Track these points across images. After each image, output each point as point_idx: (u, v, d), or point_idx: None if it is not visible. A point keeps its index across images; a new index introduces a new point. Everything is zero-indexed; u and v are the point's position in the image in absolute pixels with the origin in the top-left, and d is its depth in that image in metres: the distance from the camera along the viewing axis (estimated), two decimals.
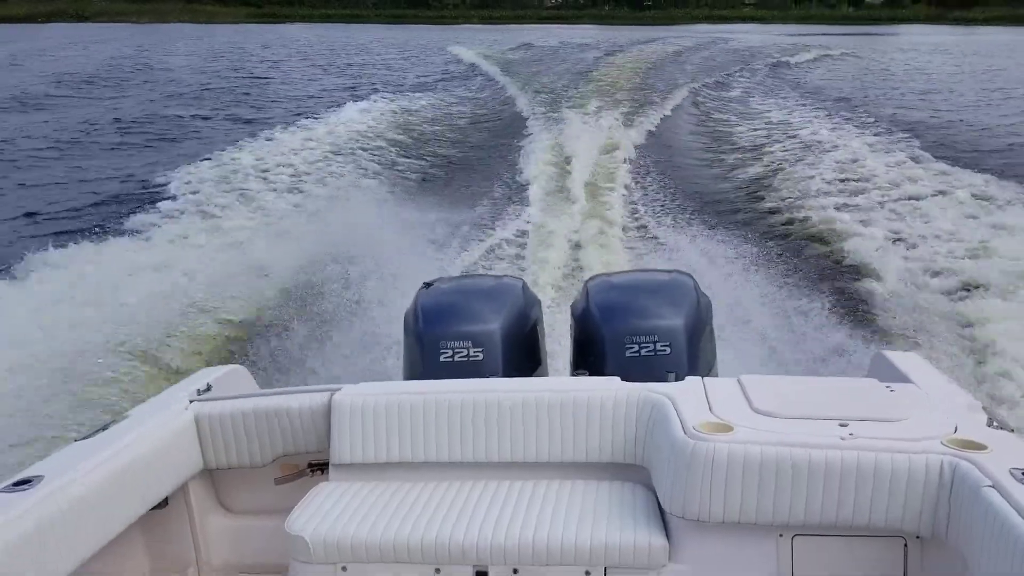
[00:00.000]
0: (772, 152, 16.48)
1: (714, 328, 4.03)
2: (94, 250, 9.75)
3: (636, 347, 3.73)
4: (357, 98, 24.83)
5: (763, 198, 12.81)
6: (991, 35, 73.42)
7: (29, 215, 12.96)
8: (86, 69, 37.90)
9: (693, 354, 3.74)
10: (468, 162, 16.51)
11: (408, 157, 16.26)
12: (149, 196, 13.13)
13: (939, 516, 2.64)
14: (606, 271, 5.53)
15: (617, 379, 3.36)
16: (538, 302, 4.33)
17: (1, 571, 2.46)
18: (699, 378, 3.31)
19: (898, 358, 3.63)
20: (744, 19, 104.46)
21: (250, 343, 7.07)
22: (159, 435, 3.26)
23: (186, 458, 3.40)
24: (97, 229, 11.09)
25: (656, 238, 10.39)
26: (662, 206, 12.46)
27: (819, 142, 16.87)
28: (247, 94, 28.62)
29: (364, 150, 16.20)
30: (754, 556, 2.84)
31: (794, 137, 17.97)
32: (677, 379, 3.38)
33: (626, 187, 13.30)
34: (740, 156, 16.65)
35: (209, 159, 15.33)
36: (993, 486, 2.44)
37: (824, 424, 2.84)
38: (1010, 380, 6.14)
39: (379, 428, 3.30)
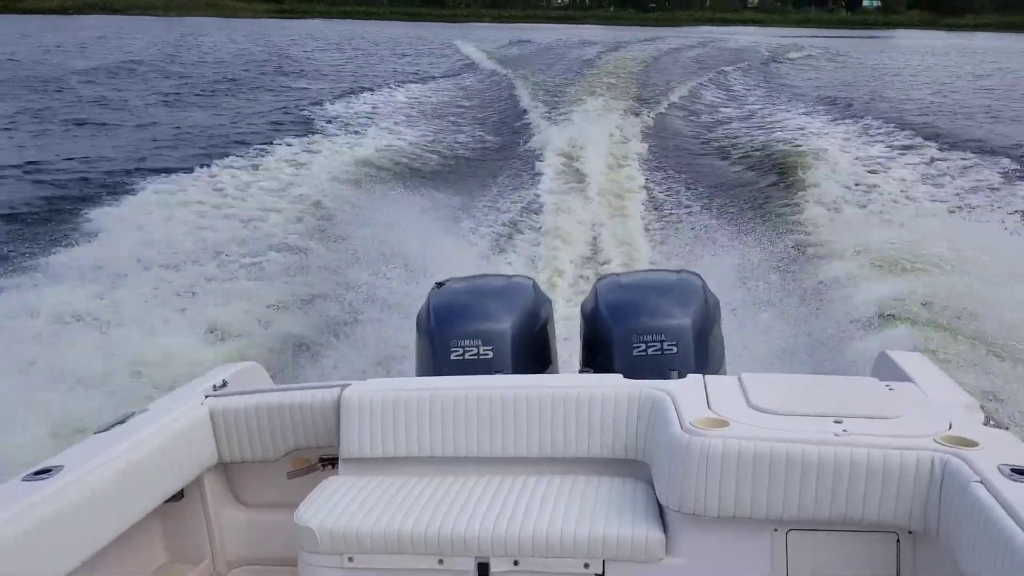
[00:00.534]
0: (785, 150, 16.17)
1: (722, 327, 3.99)
2: None
3: (643, 346, 3.72)
4: (372, 91, 24.72)
5: (780, 197, 12.40)
6: (982, 40, 74.12)
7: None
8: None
9: (701, 353, 3.72)
10: (481, 157, 16.33)
11: (422, 152, 16.09)
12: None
13: (930, 512, 2.61)
14: (617, 271, 5.46)
15: (619, 376, 3.34)
16: (548, 302, 4.31)
17: (19, 558, 2.48)
18: (700, 376, 3.29)
19: (901, 358, 3.60)
20: (745, 22, 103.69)
21: (272, 341, 7.01)
22: (175, 428, 3.27)
23: (201, 451, 3.41)
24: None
25: (672, 235, 10.20)
26: (679, 202, 12.23)
27: (844, 141, 16.60)
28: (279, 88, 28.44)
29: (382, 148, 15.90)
30: (749, 550, 2.83)
31: (812, 135, 17.73)
32: (680, 377, 3.36)
33: (643, 187, 13.05)
34: (752, 152, 16.38)
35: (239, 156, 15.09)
36: (981, 482, 2.42)
37: (819, 421, 2.81)
38: None
39: (387, 423, 3.29)
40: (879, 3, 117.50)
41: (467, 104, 23.92)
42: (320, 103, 22.90)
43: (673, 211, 11.72)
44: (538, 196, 11.98)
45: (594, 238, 9.87)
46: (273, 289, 7.98)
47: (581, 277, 8.33)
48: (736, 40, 58.72)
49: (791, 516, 2.73)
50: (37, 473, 2.77)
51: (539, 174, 13.40)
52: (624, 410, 3.20)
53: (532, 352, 3.97)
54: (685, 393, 3.10)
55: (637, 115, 19.84)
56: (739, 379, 3.19)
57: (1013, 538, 2.16)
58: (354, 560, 2.96)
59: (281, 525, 3.32)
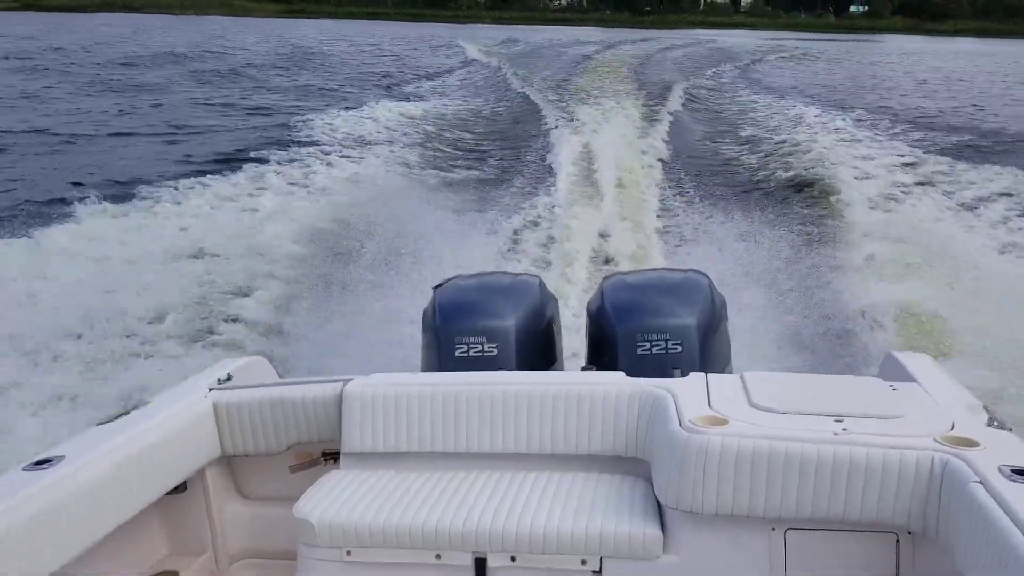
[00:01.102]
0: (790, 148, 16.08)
1: (728, 327, 3.85)
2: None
3: (648, 345, 3.59)
4: (387, 89, 24.50)
5: (792, 197, 12.06)
6: (963, 45, 75.40)
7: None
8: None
9: (705, 353, 3.59)
10: (493, 155, 16.00)
11: (433, 151, 15.81)
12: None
13: (929, 512, 2.49)
14: (624, 270, 5.32)
15: (621, 374, 3.22)
16: (555, 300, 4.18)
17: (19, 547, 2.40)
18: (703, 374, 3.16)
19: (907, 359, 3.46)
20: (736, 25, 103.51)
21: (275, 334, 6.85)
22: (178, 421, 3.17)
23: (204, 444, 3.30)
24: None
25: (683, 234, 9.96)
26: (689, 203, 11.90)
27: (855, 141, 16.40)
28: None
29: (390, 143, 15.69)
30: (747, 549, 2.70)
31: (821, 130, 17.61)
32: (683, 376, 3.22)
33: (656, 184, 12.80)
34: (766, 153, 16.06)
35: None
36: (980, 482, 2.31)
37: (820, 420, 2.69)
38: None
39: (388, 418, 3.19)
40: (865, 8, 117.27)
41: (476, 103, 23.69)
42: (333, 104, 22.74)
43: (685, 210, 11.45)
44: (550, 196, 11.74)
45: (605, 238, 9.65)
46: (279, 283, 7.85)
47: (590, 276, 8.13)
48: (725, 41, 58.68)
49: (789, 515, 2.61)
50: (38, 463, 2.68)
51: (551, 174, 13.16)
52: (625, 408, 3.08)
53: (537, 350, 3.84)
54: (686, 391, 2.98)
55: (650, 117, 19.62)
56: (741, 378, 3.06)
57: (1011, 538, 2.06)
58: (352, 554, 2.87)
59: (283, 518, 3.20)
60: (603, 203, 11.07)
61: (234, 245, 8.67)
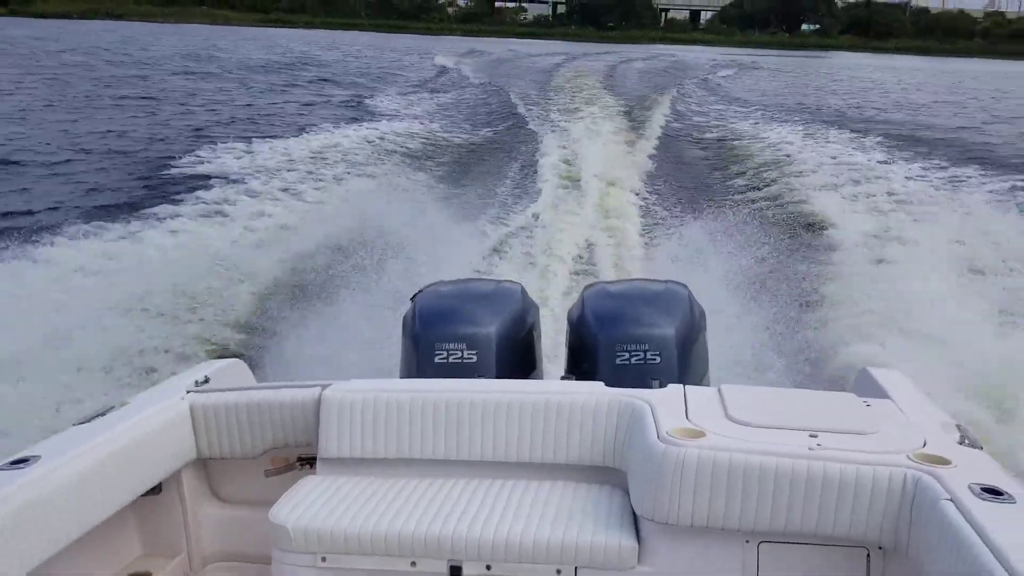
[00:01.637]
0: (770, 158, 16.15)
1: (707, 338, 3.77)
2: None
3: (627, 355, 3.51)
4: (364, 99, 24.13)
5: (774, 209, 11.88)
6: (904, 61, 78.96)
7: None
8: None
9: (683, 363, 3.52)
10: (475, 163, 15.71)
11: (415, 159, 15.45)
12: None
13: (900, 528, 2.46)
14: (605, 279, 5.22)
15: (600, 384, 3.15)
16: (536, 307, 4.08)
17: None
18: (681, 386, 3.10)
19: (881, 375, 3.42)
20: (695, 41, 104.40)
21: (255, 336, 6.64)
22: (155, 423, 3.06)
23: (180, 446, 3.19)
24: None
25: (665, 245, 9.80)
26: (671, 213, 11.70)
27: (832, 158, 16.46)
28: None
29: (370, 153, 15.24)
30: (720, 561, 2.65)
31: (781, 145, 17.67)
32: (661, 387, 3.16)
33: (638, 196, 12.58)
34: (747, 165, 16.01)
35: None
36: (951, 500, 2.28)
37: (795, 434, 2.64)
38: None
39: (366, 424, 3.09)
40: (816, 27, 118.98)
41: (457, 112, 23.41)
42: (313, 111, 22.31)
43: (666, 221, 11.29)
44: (533, 204, 11.55)
45: (588, 246, 9.52)
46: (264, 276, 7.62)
47: (573, 284, 7.99)
48: (686, 56, 59.16)
49: (763, 528, 2.56)
50: (14, 462, 2.58)
51: (535, 183, 12.97)
52: (603, 418, 3.01)
53: (516, 357, 3.75)
54: (664, 403, 2.92)
55: (634, 128, 19.49)
56: (719, 390, 3.01)
57: (980, 556, 2.03)
58: (327, 560, 2.77)
59: (257, 522, 3.10)
60: (586, 212, 10.92)
61: (205, 258, 8.38)
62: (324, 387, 3.17)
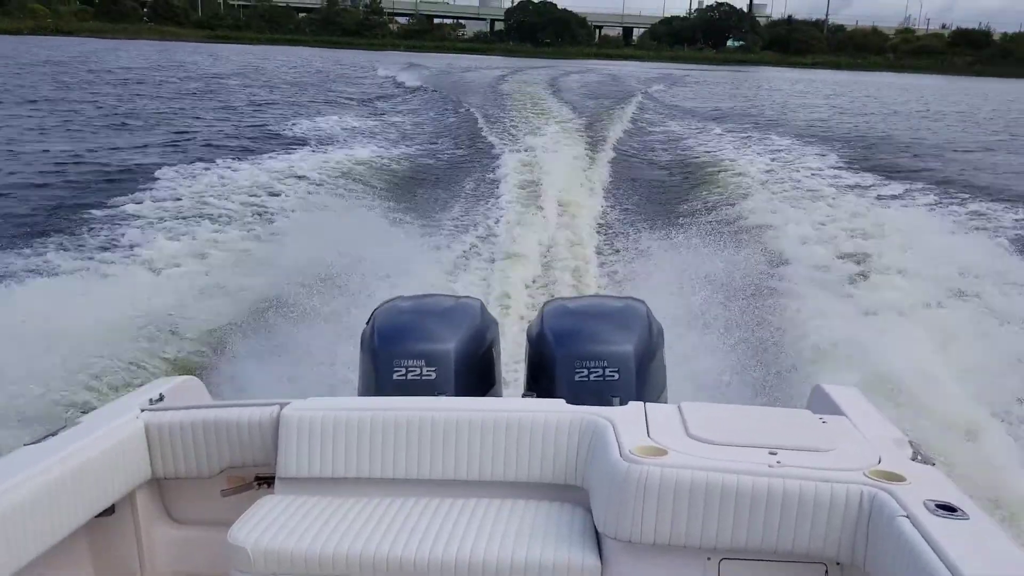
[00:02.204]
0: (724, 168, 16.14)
1: (665, 355, 3.68)
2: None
3: (585, 371, 3.40)
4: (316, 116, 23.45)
5: (730, 226, 11.46)
6: (819, 75, 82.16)
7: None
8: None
9: (642, 380, 3.42)
10: (432, 178, 15.22)
11: (372, 175, 14.76)
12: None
13: (857, 544, 2.43)
14: (565, 296, 5.09)
15: (562, 401, 3.05)
16: (495, 323, 3.95)
17: None
18: (641, 403, 3.02)
19: (835, 391, 3.37)
20: (626, 57, 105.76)
21: (212, 354, 6.29)
22: (108, 442, 2.88)
23: (135, 466, 3.02)
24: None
25: (623, 261, 9.54)
26: (632, 229, 11.33)
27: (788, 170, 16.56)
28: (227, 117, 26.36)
29: (327, 173, 14.29)
30: None
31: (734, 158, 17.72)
32: (621, 404, 3.07)
33: (597, 213, 12.27)
34: (705, 179, 15.74)
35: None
36: (907, 516, 2.26)
37: (754, 452, 2.59)
38: None
39: (325, 443, 2.95)
40: (740, 43, 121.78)
41: (412, 126, 22.91)
42: (274, 122, 21.58)
43: (625, 235, 10.98)
44: (492, 220, 11.24)
45: (547, 262, 9.28)
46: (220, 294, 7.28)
47: (532, 300, 7.76)
48: (621, 70, 59.86)
49: (724, 545, 2.50)
50: None
51: (494, 198, 12.66)
52: (565, 436, 2.91)
53: (475, 374, 3.61)
54: (625, 421, 2.84)
55: (592, 143, 19.21)
56: (679, 408, 2.94)
57: (936, 572, 2.02)
58: None
59: (213, 543, 2.94)
60: (545, 227, 10.68)
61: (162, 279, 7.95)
62: (283, 405, 3.03)
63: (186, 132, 19.45)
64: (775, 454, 2.57)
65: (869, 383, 5.04)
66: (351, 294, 6.97)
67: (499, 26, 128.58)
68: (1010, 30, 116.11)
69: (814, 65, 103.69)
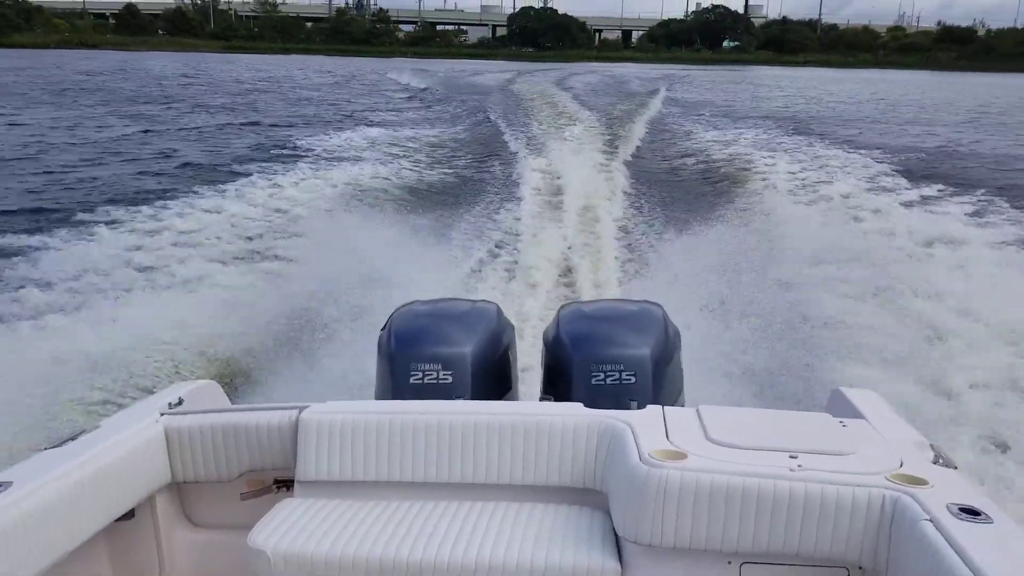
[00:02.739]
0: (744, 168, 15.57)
1: (682, 358, 3.57)
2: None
3: (602, 375, 3.29)
4: (340, 127, 22.97)
5: (746, 226, 10.92)
6: (809, 72, 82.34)
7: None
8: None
9: (659, 383, 3.31)
10: (453, 186, 14.71)
11: (394, 179, 14.43)
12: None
13: (880, 548, 2.35)
14: (580, 300, 4.98)
15: (580, 405, 2.96)
16: (512, 327, 3.84)
17: None
18: (659, 407, 2.93)
19: (854, 395, 3.27)
20: (626, 59, 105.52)
21: (232, 361, 6.17)
22: (128, 446, 2.82)
23: (154, 470, 2.95)
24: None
25: (642, 264, 9.24)
26: (651, 232, 10.99)
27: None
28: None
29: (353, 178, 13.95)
30: None
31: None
32: (639, 407, 2.98)
33: (617, 217, 11.84)
34: (721, 179, 15.27)
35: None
36: (930, 520, 2.18)
37: (775, 455, 2.51)
38: None
39: (344, 447, 2.87)
40: (735, 44, 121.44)
41: (428, 131, 22.17)
42: (293, 134, 20.91)
43: (644, 239, 10.65)
44: (511, 225, 10.95)
45: (566, 267, 9.03)
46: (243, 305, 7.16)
47: (549, 304, 7.49)
48: (623, 72, 59.59)
49: (745, 549, 2.42)
50: None
51: (511, 202, 12.41)
52: (583, 440, 2.83)
53: (492, 378, 3.51)
54: (644, 424, 2.76)
55: (610, 145, 18.57)
56: (697, 411, 2.85)
57: None
58: None
59: (233, 547, 2.88)
60: (563, 231, 10.40)
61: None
62: (301, 409, 2.96)
63: (218, 149, 19.00)
64: (795, 457, 2.49)
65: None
66: (368, 302, 6.84)
67: (501, 31, 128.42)
68: (1005, 26, 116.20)
69: (805, 64, 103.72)
